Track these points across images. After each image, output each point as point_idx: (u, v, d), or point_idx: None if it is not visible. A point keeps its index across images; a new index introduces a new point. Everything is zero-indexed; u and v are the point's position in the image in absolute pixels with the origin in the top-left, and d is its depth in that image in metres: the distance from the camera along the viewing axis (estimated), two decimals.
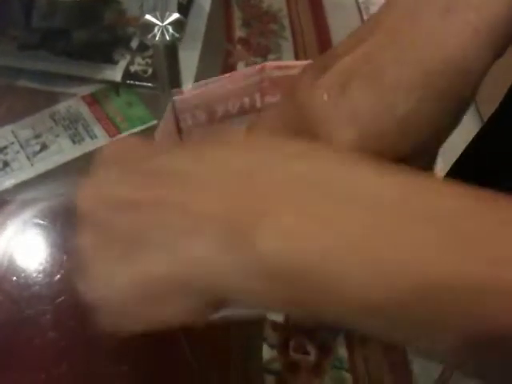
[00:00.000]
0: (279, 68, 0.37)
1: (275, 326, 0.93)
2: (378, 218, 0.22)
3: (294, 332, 0.89)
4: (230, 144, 0.27)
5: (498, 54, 0.31)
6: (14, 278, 0.42)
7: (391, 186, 0.23)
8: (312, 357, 0.76)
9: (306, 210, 0.22)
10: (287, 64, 0.37)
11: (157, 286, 0.25)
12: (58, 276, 0.43)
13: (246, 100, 0.38)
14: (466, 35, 0.29)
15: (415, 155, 0.31)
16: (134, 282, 0.25)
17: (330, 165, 0.24)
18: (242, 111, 0.38)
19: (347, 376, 0.80)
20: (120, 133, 0.56)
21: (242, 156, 0.25)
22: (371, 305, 0.21)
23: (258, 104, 0.38)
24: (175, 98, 0.36)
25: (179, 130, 0.38)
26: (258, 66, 0.37)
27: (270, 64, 0.37)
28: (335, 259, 0.21)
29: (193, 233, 0.24)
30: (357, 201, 0.22)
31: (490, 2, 0.29)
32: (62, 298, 0.41)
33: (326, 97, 0.30)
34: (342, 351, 0.77)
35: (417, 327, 0.21)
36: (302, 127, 0.31)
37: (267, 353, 0.77)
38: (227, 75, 0.37)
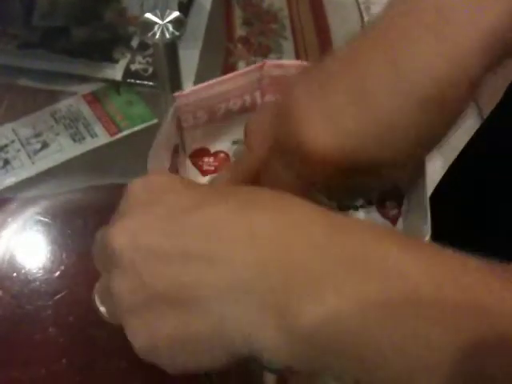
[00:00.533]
0: (279, 67, 0.38)
1: None
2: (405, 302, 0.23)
3: None
4: (268, 207, 0.27)
5: (490, 67, 0.31)
6: (15, 274, 0.42)
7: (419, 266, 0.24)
8: None
9: (345, 290, 0.24)
10: (286, 63, 0.38)
11: (193, 341, 0.25)
12: (58, 273, 0.43)
13: (247, 98, 0.38)
14: (454, 55, 0.29)
15: (398, 162, 0.31)
16: (172, 337, 0.26)
17: (365, 240, 0.25)
18: (243, 109, 0.38)
19: None
20: (120, 131, 0.56)
21: (277, 221, 0.26)
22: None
23: (259, 102, 0.38)
24: (176, 99, 0.36)
25: (181, 130, 0.38)
26: (258, 64, 0.37)
27: (269, 62, 0.37)
28: (369, 338, 0.23)
29: (226, 295, 0.24)
30: (386, 279, 0.24)
31: (481, 16, 0.29)
32: (62, 294, 0.41)
33: (306, 98, 0.30)
34: None
35: None
36: (286, 129, 0.31)
37: None
38: (228, 75, 0.37)
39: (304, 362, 0.25)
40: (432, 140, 0.32)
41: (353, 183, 0.33)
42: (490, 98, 0.59)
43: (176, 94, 0.36)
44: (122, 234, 0.26)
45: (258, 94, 0.38)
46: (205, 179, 0.39)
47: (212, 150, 0.40)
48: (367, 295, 0.23)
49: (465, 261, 0.25)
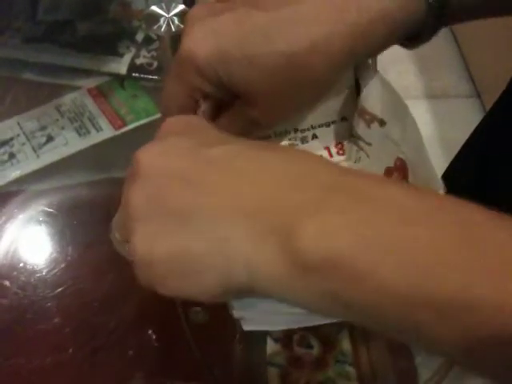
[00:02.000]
0: None
1: None
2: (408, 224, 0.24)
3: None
4: (284, 151, 0.30)
5: (353, 56, 0.34)
6: (21, 265, 0.42)
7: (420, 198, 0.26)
8: (315, 351, 0.76)
9: (345, 212, 0.25)
10: None
11: (191, 261, 0.27)
12: (64, 264, 0.43)
13: None
14: None
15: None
16: (171, 253, 0.27)
17: (366, 182, 0.27)
18: None
19: (351, 370, 0.79)
20: (125, 125, 0.56)
21: (293, 162, 0.28)
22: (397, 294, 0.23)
23: None
24: None
25: None
26: None
27: None
28: (372, 255, 0.24)
29: (235, 218, 0.26)
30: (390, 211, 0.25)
31: None
32: (67, 285, 0.41)
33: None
34: (346, 345, 0.77)
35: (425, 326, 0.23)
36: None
37: (271, 346, 0.77)
38: None
39: (300, 292, 0.25)
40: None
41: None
42: (492, 91, 0.59)
43: None
44: (151, 151, 0.29)
45: None
46: None
47: None
48: (363, 217, 0.24)
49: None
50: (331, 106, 0.39)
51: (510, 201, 0.53)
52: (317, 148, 0.40)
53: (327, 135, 0.40)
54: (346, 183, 0.26)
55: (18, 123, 0.55)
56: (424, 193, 0.27)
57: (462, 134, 0.65)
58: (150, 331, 0.38)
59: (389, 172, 0.38)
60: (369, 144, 0.39)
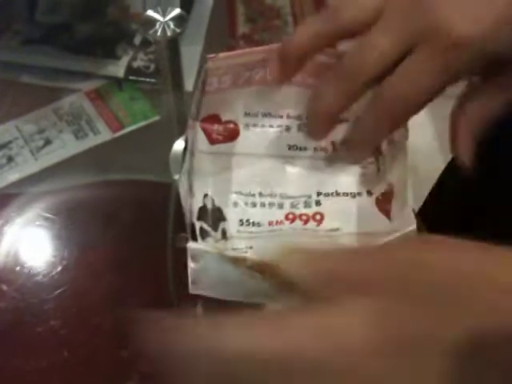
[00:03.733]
0: None
1: None
2: None
3: None
4: None
5: None
6: (19, 268, 0.43)
7: None
8: None
9: None
10: None
11: None
12: (61, 267, 0.44)
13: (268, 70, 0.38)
14: None
15: None
16: None
17: None
18: (264, 81, 0.38)
19: None
20: (123, 128, 0.56)
21: None
22: None
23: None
24: (209, 61, 0.36)
25: (203, 94, 0.37)
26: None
27: None
28: None
29: None
30: None
31: None
32: (64, 287, 0.42)
33: None
34: None
35: None
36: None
37: None
38: (259, 48, 0.37)
39: None
40: None
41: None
42: None
43: (210, 55, 0.35)
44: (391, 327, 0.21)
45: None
46: (212, 148, 0.39)
47: (223, 119, 0.39)
48: None
49: None
50: None
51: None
52: None
53: None
54: None
55: (17, 126, 0.55)
56: None
57: None
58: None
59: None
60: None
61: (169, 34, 0.42)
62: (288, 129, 0.39)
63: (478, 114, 0.34)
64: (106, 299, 0.43)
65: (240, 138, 0.39)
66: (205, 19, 0.67)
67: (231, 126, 0.39)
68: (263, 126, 0.39)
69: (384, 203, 0.38)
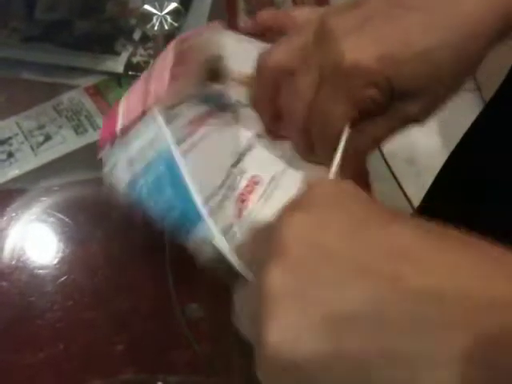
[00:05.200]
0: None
1: None
2: None
3: None
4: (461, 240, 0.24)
5: (502, 38, 0.34)
6: (18, 262, 0.43)
7: None
8: None
9: None
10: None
11: (361, 370, 0.21)
12: (59, 260, 0.44)
13: None
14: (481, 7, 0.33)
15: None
16: (330, 355, 0.22)
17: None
18: None
19: None
20: None
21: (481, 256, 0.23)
22: None
23: None
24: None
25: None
26: None
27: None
28: None
29: (427, 328, 0.21)
30: None
31: None
32: (61, 279, 0.42)
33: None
34: None
35: None
36: (322, 55, 0.34)
37: None
38: None
39: None
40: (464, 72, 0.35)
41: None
42: (493, 85, 0.59)
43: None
44: (301, 225, 0.24)
45: None
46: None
47: None
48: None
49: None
50: None
51: (509, 191, 0.53)
52: None
53: None
54: None
55: (17, 122, 0.56)
56: None
57: (461, 128, 0.65)
58: (143, 326, 0.39)
59: None
60: None
61: (166, 27, 0.42)
62: None
63: (366, 140, 0.36)
64: (104, 293, 0.43)
65: None
66: (204, 15, 0.67)
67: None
68: None
69: None
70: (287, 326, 0.22)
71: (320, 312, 0.22)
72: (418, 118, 0.37)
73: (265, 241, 0.25)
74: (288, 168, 0.38)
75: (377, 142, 0.38)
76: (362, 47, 0.33)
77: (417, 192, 0.41)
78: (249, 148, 0.38)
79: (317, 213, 0.25)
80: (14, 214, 0.48)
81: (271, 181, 0.37)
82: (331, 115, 0.35)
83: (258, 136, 0.39)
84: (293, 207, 0.26)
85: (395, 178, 0.42)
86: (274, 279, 0.23)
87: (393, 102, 0.35)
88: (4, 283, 0.42)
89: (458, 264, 0.22)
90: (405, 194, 0.41)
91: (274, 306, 0.23)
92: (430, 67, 0.34)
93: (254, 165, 0.37)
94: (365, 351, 0.21)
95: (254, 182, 0.37)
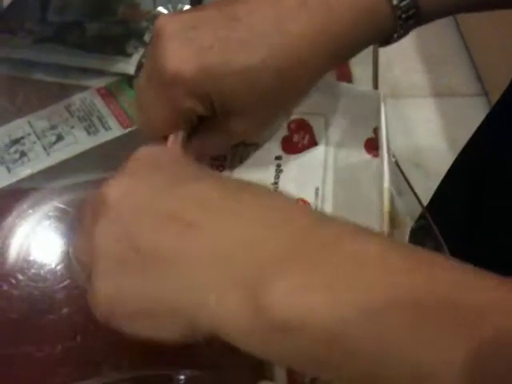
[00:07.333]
0: None
1: None
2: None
3: None
4: (258, 191, 0.29)
5: (336, 61, 0.35)
6: (32, 258, 0.43)
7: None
8: None
9: (310, 269, 0.24)
10: None
11: (158, 304, 0.26)
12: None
13: None
14: (309, 34, 0.33)
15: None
16: (138, 294, 0.26)
17: (343, 233, 0.26)
18: None
19: None
20: (133, 124, 0.57)
21: (268, 206, 0.27)
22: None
23: None
24: None
25: None
26: None
27: None
28: (344, 316, 0.23)
29: (204, 264, 0.25)
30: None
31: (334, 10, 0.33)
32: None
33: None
34: None
35: None
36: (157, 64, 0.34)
37: None
38: None
39: (259, 348, 0.25)
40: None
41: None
42: (500, 90, 0.60)
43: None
44: (118, 187, 0.29)
45: None
46: None
47: None
48: (336, 275, 0.24)
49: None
50: None
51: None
52: None
53: None
54: (321, 234, 0.25)
55: (29, 122, 0.56)
56: (402, 247, 0.26)
57: (468, 132, 0.65)
58: None
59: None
60: None
61: None
62: None
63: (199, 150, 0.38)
64: None
65: None
66: None
67: None
68: None
69: None
70: (109, 273, 0.27)
71: (136, 259, 0.26)
72: (247, 135, 0.37)
73: (93, 202, 0.29)
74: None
75: (216, 151, 0.39)
76: (183, 56, 0.33)
77: (423, 194, 0.41)
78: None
79: (138, 175, 0.29)
80: (26, 212, 0.49)
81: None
82: (152, 117, 0.36)
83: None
84: (118, 174, 0.30)
85: (406, 179, 0.43)
86: (99, 236, 0.27)
87: (219, 116, 0.35)
88: (21, 277, 0.42)
89: (240, 212, 0.26)
90: (415, 195, 0.42)
91: (99, 259, 0.27)
92: (248, 87, 0.33)
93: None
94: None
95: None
